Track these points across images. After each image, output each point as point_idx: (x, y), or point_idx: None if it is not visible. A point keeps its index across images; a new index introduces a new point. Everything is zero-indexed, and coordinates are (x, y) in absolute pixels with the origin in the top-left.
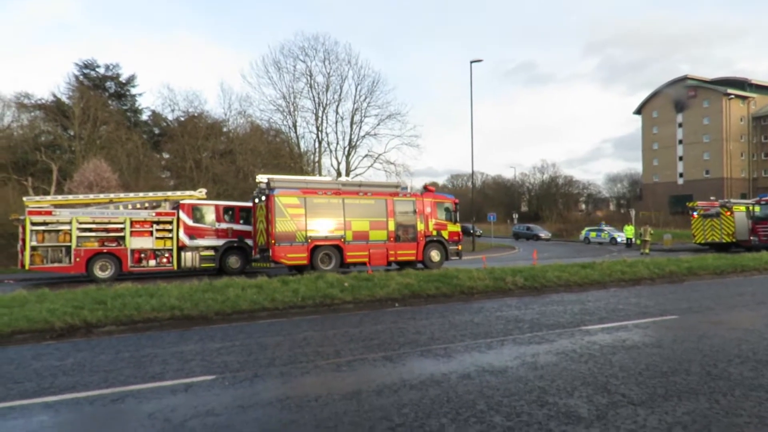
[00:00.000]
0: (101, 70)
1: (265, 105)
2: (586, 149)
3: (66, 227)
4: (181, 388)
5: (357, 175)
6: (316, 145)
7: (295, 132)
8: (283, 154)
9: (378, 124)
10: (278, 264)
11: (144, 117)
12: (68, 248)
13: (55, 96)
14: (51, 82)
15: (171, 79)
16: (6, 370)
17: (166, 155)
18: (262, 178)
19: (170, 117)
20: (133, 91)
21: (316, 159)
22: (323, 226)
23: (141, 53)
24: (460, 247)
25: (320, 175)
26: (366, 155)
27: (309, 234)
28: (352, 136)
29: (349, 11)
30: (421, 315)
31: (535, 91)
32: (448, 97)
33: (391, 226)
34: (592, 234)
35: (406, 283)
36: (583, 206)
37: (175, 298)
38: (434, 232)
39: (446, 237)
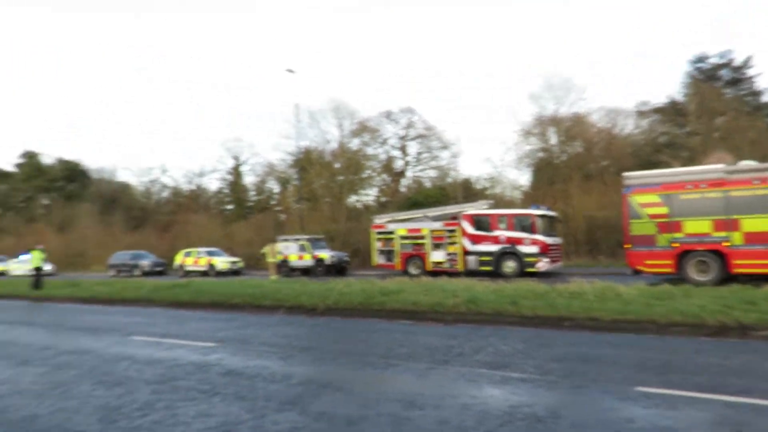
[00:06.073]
0: (713, 60)
1: None
2: None
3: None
4: None
5: None
6: None
7: None
8: None
9: None
10: (636, 272)
11: (766, 98)
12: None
13: (669, 98)
14: (664, 84)
15: None
16: (671, 358)
17: None
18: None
19: None
20: (749, 72)
21: None
22: (695, 226)
23: (756, 32)
24: None
25: None
26: None
27: (674, 237)
28: None
29: None
30: None
31: None
32: None
33: None
34: None
35: None
36: None
37: None
38: None
39: None
